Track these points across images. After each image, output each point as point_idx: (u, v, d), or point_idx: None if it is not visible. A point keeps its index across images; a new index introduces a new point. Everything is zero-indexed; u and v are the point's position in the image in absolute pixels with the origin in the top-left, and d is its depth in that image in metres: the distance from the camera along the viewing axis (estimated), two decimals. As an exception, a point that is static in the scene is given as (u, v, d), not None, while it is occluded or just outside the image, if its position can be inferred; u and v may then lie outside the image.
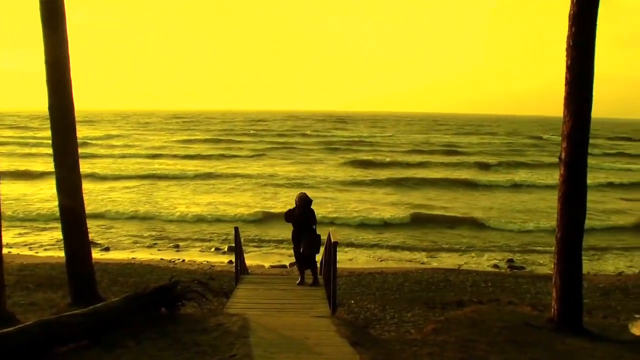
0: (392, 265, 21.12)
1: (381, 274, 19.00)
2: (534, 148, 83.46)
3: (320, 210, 23.43)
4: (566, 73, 10.33)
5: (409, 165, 54.91)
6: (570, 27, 10.19)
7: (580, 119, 10.27)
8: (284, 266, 20.64)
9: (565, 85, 10.34)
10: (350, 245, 24.23)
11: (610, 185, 44.67)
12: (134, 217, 29.35)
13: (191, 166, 52.03)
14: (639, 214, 32.78)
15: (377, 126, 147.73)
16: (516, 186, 43.10)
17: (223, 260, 21.69)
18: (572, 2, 10.16)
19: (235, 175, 45.26)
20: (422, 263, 21.83)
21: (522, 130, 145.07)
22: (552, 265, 10.97)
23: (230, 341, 8.75)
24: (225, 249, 23.18)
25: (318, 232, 13.62)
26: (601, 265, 22.26)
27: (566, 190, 10.46)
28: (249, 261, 19.63)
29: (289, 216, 13.74)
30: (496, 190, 41.30)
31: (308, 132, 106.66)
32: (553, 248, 10.96)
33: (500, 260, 22.47)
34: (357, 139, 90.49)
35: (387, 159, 58.53)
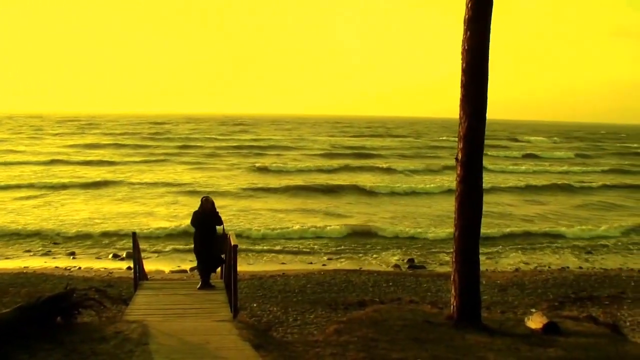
0: (294, 268, 21.35)
1: (283, 276, 19.23)
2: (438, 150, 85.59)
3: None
4: (461, 76, 10.87)
5: (311, 171, 54.15)
6: (465, 31, 10.74)
7: (475, 120, 10.85)
8: (185, 271, 20.51)
9: (461, 87, 10.88)
10: (249, 250, 24.25)
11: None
12: (25, 226, 28.06)
13: (85, 172, 49.95)
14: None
15: (281, 129, 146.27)
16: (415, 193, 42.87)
17: (122, 266, 21.31)
18: (466, 7, 10.71)
19: (128, 183, 43.43)
20: (324, 265, 22.18)
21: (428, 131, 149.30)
22: (451, 264, 11.53)
23: (130, 349, 8.71)
24: (124, 255, 22.75)
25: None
26: (499, 262, 23.31)
27: (463, 189, 11.01)
28: (149, 267, 19.36)
29: (194, 219, 13.83)
30: (396, 196, 41.61)
31: (214, 136, 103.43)
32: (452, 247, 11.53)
33: (401, 260, 23.12)
34: (263, 143, 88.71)
35: (290, 165, 57.58)
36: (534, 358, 9.28)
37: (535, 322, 11.30)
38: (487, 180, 49.12)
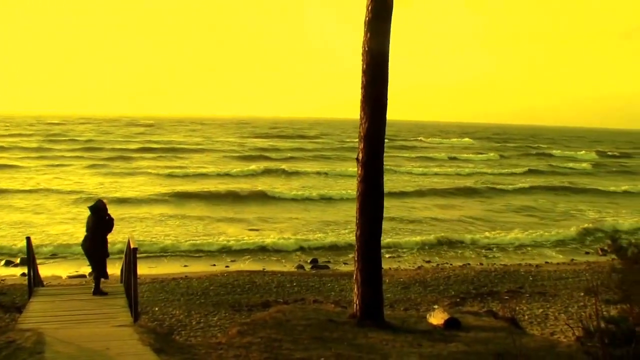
0: (196, 270, 21.22)
1: (185, 279, 19.10)
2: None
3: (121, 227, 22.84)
4: (362, 77, 11.16)
5: (219, 175, 52.05)
6: (366, 33, 11.05)
7: (376, 120, 11.17)
8: (83, 276, 19.95)
9: (361, 88, 11.17)
10: (150, 253, 23.83)
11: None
12: None
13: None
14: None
15: (187, 130, 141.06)
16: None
17: (15, 273, 20.56)
18: (367, 9, 11.02)
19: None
20: (227, 266, 22.16)
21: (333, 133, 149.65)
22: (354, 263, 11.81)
23: (24, 358, 8.48)
24: (18, 262, 21.90)
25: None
26: (402, 260, 23.92)
27: (364, 189, 11.30)
28: (45, 272, 18.75)
29: (87, 223, 13.61)
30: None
31: (112, 138, 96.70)
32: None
33: (304, 261, 23.35)
34: (167, 145, 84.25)
35: (192, 169, 54.92)
36: (436, 353, 9.63)
37: (436, 318, 11.72)
38: (410, 183, 50.39)
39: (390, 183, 48.28)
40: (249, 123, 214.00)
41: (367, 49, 11.02)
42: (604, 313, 10.24)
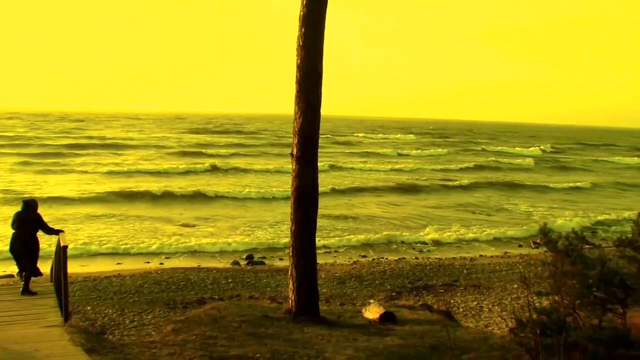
0: (130, 267, 20.87)
1: (119, 277, 18.76)
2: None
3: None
4: (296, 72, 11.22)
5: (156, 173, 50.39)
6: (300, 28, 11.09)
7: (310, 116, 11.23)
8: (11, 275, 19.34)
9: (296, 83, 11.23)
10: (82, 251, 23.28)
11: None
12: None
13: None
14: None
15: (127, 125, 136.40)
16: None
17: (-64, 276, 19.71)
18: (302, 3, 11.06)
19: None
20: (161, 263, 21.90)
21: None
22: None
23: (-55, 365, 8.26)
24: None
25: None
26: (338, 255, 24.05)
27: (299, 185, 11.36)
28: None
29: (15, 220, 13.24)
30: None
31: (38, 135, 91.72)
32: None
33: (240, 257, 23.25)
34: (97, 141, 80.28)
35: (127, 166, 52.91)
36: (372, 347, 9.74)
37: (372, 312, 11.86)
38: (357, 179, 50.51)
39: (333, 179, 48.44)
40: (184, 118, 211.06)
41: (301, 44, 11.07)
42: (537, 304, 10.54)
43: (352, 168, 59.98)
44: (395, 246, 26.24)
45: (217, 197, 38.96)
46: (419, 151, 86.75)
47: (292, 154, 11.38)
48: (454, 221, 32.77)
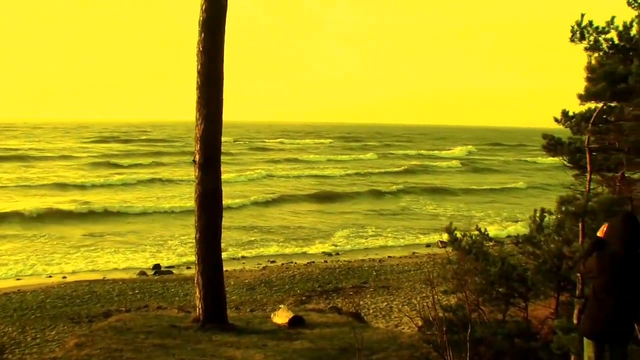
0: (30, 283, 20.15)
1: (19, 292, 18.12)
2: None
3: None
4: (197, 78, 11.12)
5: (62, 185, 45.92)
6: (200, 33, 10.99)
7: (211, 122, 11.16)
8: None
9: (197, 89, 11.11)
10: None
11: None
12: None
13: None
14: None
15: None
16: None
17: None
18: (201, 9, 10.97)
19: None
20: (64, 277, 21.25)
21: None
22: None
23: None
24: None
25: None
26: (247, 262, 23.91)
27: (202, 191, 11.26)
28: None
29: None
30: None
31: None
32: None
33: (147, 267, 22.82)
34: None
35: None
36: (281, 352, 9.75)
37: (281, 317, 11.87)
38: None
39: (259, 187, 47.63)
40: (88, 127, 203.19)
41: (201, 49, 10.97)
42: (445, 302, 10.82)
43: (286, 176, 57.84)
44: (305, 250, 26.30)
45: (124, 211, 36.37)
46: (346, 156, 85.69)
47: (194, 161, 11.27)
48: (369, 225, 33.07)
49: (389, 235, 30.18)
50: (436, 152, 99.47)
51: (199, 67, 10.99)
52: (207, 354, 9.54)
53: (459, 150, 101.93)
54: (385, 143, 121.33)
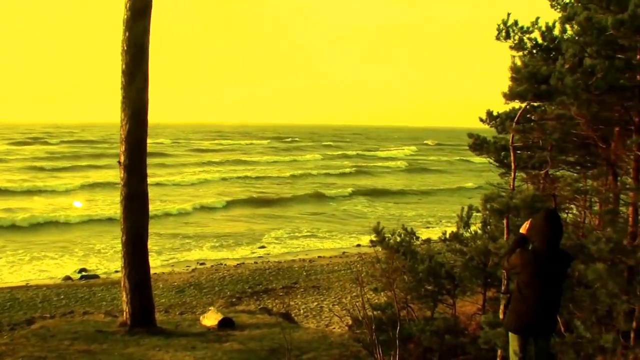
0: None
1: None
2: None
3: None
4: (121, 77, 10.89)
5: None
6: (124, 31, 10.77)
7: (135, 122, 10.95)
8: None
9: (121, 89, 10.89)
10: None
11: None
12: None
13: None
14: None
15: None
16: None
17: None
18: (125, 7, 10.75)
19: None
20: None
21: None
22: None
23: None
24: None
25: None
26: (176, 264, 23.59)
27: (128, 193, 11.04)
28: None
29: None
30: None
31: None
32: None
33: (74, 271, 22.27)
34: None
35: None
36: (210, 355, 9.65)
37: (210, 319, 11.75)
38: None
39: (185, 190, 46.70)
40: (12, 128, 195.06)
41: (125, 48, 10.76)
42: (376, 301, 10.93)
43: (221, 178, 55.27)
44: (235, 251, 26.13)
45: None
46: (285, 157, 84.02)
47: (119, 162, 11.05)
48: (302, 226, 33.07)
49: (322, 235, 30.33)
50: (379, 152, 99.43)
51: (124, 66, 10.78)
52: (135, 359, 9.37)
53: (401, 151, 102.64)
54: (323, 144, 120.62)
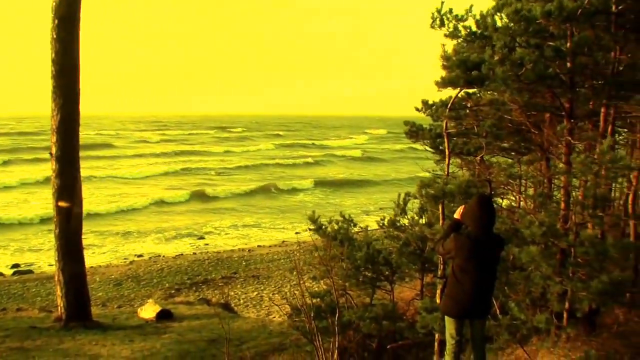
0: None
1: None
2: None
3: None
4: (51, 67, 10.60)
5: None
6: (53, 20, 10.47)
7: (67, 112, 10.69)
8: None
9: (51, 78, 10.61)
10: None
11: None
12: None
13: None
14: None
15: None
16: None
17: None
18: None
19: None
20: None
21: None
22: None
23: None
24: None
25: None
26: (114, 255, 23.17)
27: (60, 185, 10.78)
28: None
29: None
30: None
31: None
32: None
33: (5, 266, 21.66)
34: None
35: None
36: (149, 347, 9.53)
37: (147, 311, 11.63)
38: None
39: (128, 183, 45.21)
40: None
41: (54, 36, 10.48)
42: (316, 289, 10.94)
43: (164, 172, 52.28)
44: (174, 243, 25.77)
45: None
46: (235, 147, 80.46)
47: (51, 154, 10.77)
48: (245, 217, 32.72)
49: (266, 226, 30.15)
50: (331, 142, 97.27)
51: (54, 55, 10.51)
52: (71, 354, 9.19)
53: (353, 140, 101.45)
54: (273, 133, 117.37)
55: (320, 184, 48.07)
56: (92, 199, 33.36)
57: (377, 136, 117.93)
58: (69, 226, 10.80)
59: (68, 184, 10.74)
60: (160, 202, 37.15)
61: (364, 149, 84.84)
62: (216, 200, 39.23)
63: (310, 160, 66.34)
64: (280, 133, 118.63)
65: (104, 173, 47.91)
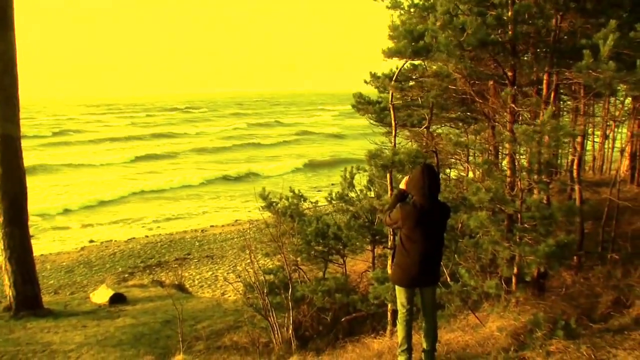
0: None
1: None
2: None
3: None
4: None
5: None
6: None
7: (8, 103, 10.46)
8: None
9: None
10: None
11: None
12: None
13: None
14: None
15: None
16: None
17: None
18: None
19: None
20: None
21: None
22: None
23: None
24: None
25: None
26: (64, 243, 22.74)
27: (3, 172, 10.54)
28: None
29: None
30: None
31: None
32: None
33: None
34: None
35: None
36: (102, 331, 9.42)
37: (100, 296, 11.47)
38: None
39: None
40: None
41: None
42: (270, 266, 10.92)
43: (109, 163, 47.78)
44: (124, 228, 25.34)
45: None
46: (209, 128, 77.88)
47: None
48: (196, 199, 32.28)
49: (218, 205, 29.90)
50: (304, 119, 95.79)
51: None
52: (22, 343, 9.01)
53: (320, 117, 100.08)
54: (238, 112, 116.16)
55: (308, 164, 47.18)
56: (46, 185, 32.92)
57: (345, 112, 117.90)
58: (13, 215, 10.56)
59: (12, 171, 10.54)
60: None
61: (338, 125, 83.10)
62: (171, 192, 36.62)
63: (289, 139, 65.00)
64: (249, 112, 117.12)
65: (62, 161, 46.28)
